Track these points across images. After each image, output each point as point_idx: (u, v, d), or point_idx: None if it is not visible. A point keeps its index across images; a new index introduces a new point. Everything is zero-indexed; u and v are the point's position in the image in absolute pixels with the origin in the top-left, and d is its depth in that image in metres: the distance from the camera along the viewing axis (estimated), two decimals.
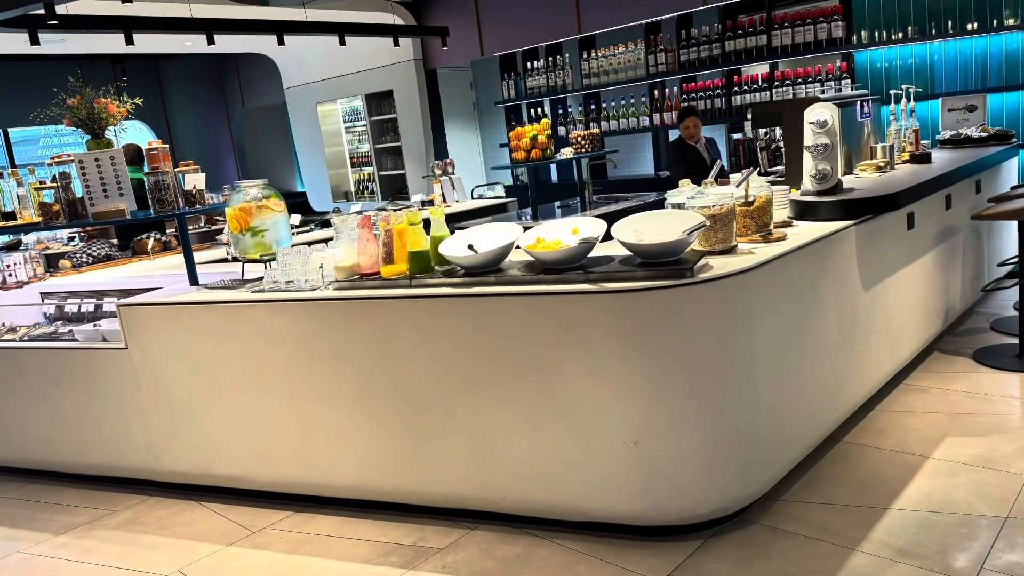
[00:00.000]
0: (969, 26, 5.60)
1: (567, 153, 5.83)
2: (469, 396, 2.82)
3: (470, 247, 2.79)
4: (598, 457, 2.65)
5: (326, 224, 5.98)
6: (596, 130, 6.14)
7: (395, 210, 3.02)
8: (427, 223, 2.94)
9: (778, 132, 5.32)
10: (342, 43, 7.02)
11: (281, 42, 6.67)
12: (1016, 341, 4.08)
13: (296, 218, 5.44)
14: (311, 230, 5.84)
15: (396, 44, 7.75)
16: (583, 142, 5.81)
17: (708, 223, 2.78)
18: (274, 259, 3.28)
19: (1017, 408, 3.54)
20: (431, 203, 6.75)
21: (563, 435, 2.69)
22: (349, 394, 3.06)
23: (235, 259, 3.62)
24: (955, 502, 2.72)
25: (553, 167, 8.69)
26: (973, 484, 2.83)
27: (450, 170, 7.04)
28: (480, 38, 8.42)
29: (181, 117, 12.25)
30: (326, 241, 3.36)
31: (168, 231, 5.46)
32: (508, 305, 2.69)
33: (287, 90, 10.56)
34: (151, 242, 5.11)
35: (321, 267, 3.12)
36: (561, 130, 8.07)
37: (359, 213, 3.18)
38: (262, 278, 3.32)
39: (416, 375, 2.90)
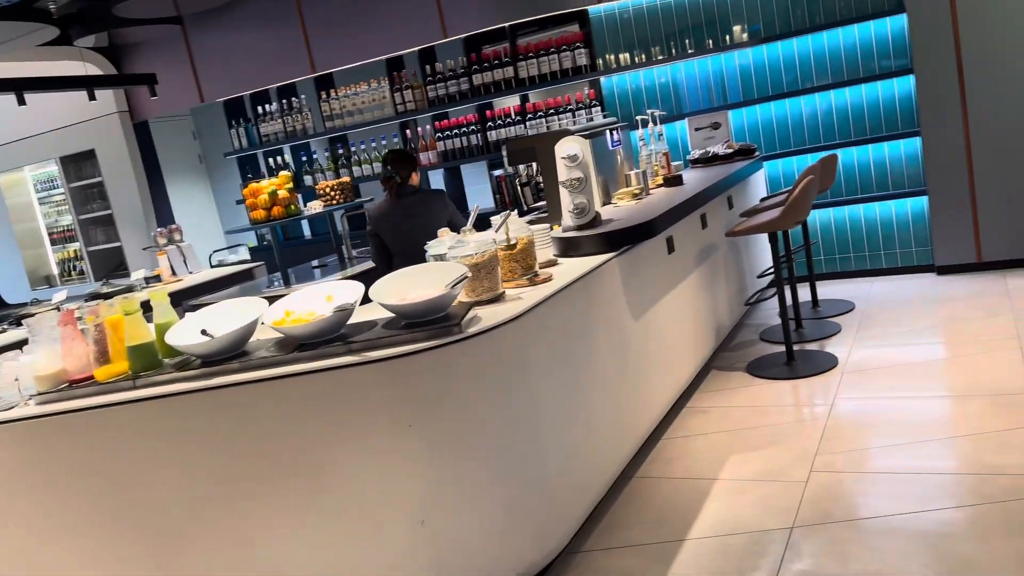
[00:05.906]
0: (708, 43, 6.40)
1: (316, 207, 5.86)
2: (224, 503, 2.72)
3: (203, 332, 2.73)
4: (382, 545, 2.67)
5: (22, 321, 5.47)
6: (347, 178, 6.22)
7: (104, 297, 2.88)
8: (148, 306, 2.83)
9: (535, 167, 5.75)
10: (21, 102, 6.54)
11: None
12: (783, 349, 4.70)
13: None
14: (3, 330, 5.31)
15: (92, 98, 7.35)
16: (333, 192, 5.87)
17: (471, 273, 2.95)
18: None
19: (790, 415, 4.07)
20: (158, 279, 6.43)
21: (341, 528, 2.68)
22: (75, 527, 2.83)
23: None
24: (745, 521, 3.08)
25: (304, 222, 8.64)
26: (759, 499, 3.22)
27: (177, 237, 6.77)
28: (198, 83, 8.23)
29: None
30: (21, 346, 3.11)
31: None
32: (260, 392, 2.64)
33: None
34: None
35: (17, 380, 2.89)
36: (308, 179, 8.08)
37: (59, 307, 2.99)
38: None
39: (156, 490, 2.75)
